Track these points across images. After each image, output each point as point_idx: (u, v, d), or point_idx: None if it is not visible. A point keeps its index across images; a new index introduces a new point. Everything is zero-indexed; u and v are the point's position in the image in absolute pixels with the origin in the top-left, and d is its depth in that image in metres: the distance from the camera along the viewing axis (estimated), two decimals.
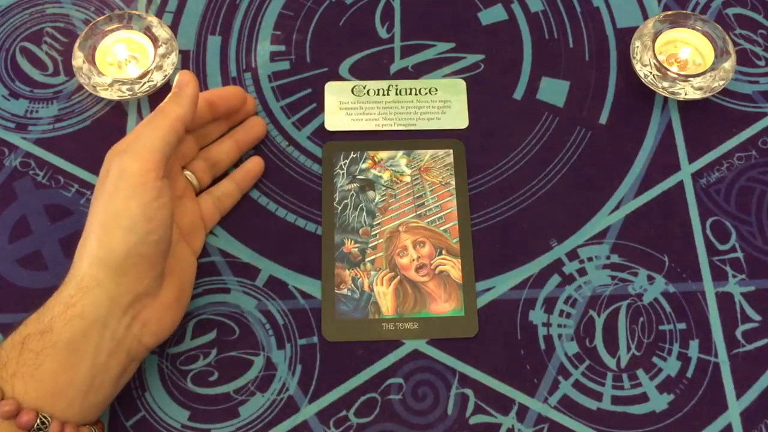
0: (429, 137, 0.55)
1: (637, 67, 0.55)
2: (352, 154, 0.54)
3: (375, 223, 0.52)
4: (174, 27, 0.58)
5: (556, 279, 0.50)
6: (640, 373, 0.48)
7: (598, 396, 0.47)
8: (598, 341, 0.49)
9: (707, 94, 0.54)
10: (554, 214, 0.52)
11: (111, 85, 0.53)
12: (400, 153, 0.54)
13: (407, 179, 0.53)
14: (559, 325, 0.49)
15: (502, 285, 0.50)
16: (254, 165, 0.53)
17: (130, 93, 0.53)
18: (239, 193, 0.52)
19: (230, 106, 0.52)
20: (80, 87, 0.55)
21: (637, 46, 0.55)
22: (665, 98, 0.56)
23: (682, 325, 0.49)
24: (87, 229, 0.42)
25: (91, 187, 0.52)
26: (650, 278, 0.50)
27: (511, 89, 0.56)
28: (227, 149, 0.52)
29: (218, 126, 0.53)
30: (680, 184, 0.53)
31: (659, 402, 0.47)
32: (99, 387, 0.41)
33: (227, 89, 0.52)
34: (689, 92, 0.54)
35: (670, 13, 0.57)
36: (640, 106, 0.56)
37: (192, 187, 0.51)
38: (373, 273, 0.50)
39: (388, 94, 0.56)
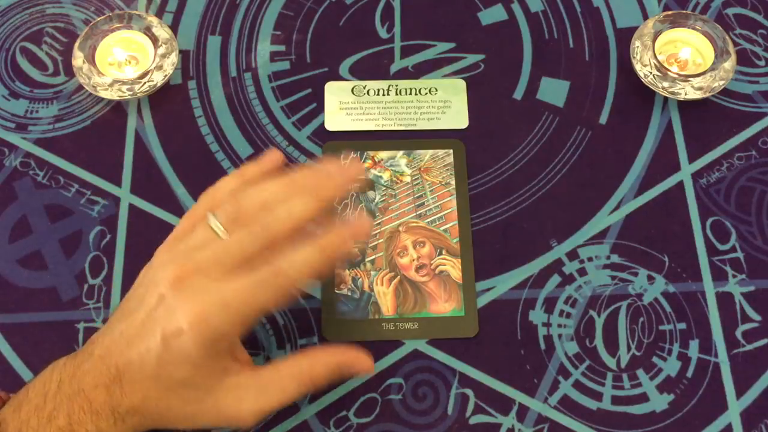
0: (429, 137, 0.55)
1: (637, 67, 0.55)
2: (352, 154, 0.54)
3: (375, 223, 0.52)
4: (174, 27, 0.58)
5: (556, 279, 0.50)
6: (640, 373, 0.48)
7: (598, 396, 0.47)
8: (598, 341, 0.49)
9: (707, 94, 0.54)
10: (554, 214, 0.52)
11: (111, 85, 0.53)
12: (400, 153, 0.54)
13: (407, 179, 0.53)
14: (559, 325, 0.49)
15: (502, 285, 0.50)
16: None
17: (130, 93, 0.53)
18: None
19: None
20: (80, 87, 0.55)
21: (637, 46, 0.55)
22: (665, 98, 0.56)
23: (682, 325, 0.49)
24: (103, 351, 0.39)
25: (91, 186, 0.52)
26: (650, 278, 0.50)
27: (511, 89, 0.56)
28: None
29: None
30: (680, 184, 0.53)
31: (659, 402, 0.47)
32: None
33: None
34: (689, 92, 0.54)
35: (670, 13, 0.57)
36: (640, 106, 0.56)
37: None
38: (373, 273, 0.50)
39: (388, 94, 0.56)
